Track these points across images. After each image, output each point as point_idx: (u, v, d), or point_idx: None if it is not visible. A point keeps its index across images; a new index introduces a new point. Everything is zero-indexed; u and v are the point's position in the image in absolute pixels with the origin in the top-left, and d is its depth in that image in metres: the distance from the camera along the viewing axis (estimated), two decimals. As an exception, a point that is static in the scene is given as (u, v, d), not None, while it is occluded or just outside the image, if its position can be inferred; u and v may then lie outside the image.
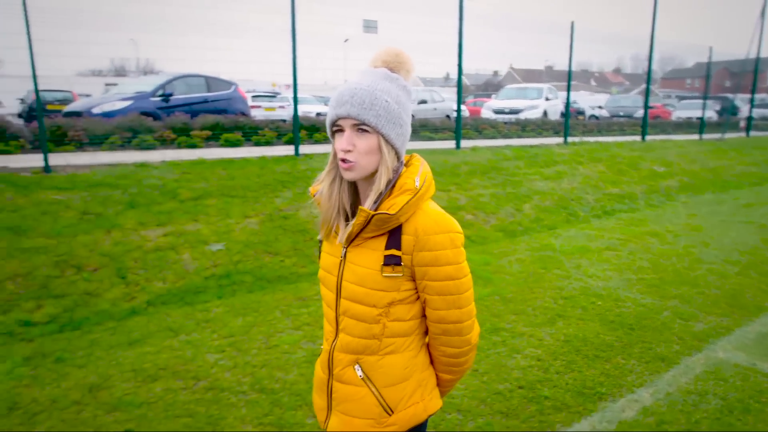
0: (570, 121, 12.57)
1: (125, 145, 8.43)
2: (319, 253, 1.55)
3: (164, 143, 8.75)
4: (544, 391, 3.24)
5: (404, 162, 1.47)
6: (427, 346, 1.51)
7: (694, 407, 3.08)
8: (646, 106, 14.43)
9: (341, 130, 1.39)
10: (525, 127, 14.41)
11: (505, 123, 14.52)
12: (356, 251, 1.42)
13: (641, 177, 10.58)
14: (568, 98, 12.17)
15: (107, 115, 9.53)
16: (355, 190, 1.49)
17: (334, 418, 1.49)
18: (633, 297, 4.78)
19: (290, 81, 8.23)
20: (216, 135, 9.27)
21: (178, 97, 10.79)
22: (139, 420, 2.93)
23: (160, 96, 10.52)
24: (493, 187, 8.38)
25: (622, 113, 22.37)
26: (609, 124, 16.91)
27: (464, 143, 10.49)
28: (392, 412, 1.43)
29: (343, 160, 1.37)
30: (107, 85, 34.83)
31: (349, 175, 1.39)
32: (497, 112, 16.46)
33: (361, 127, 1.36)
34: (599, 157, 11.08)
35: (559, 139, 12.61)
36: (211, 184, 6.55)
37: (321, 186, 1.49)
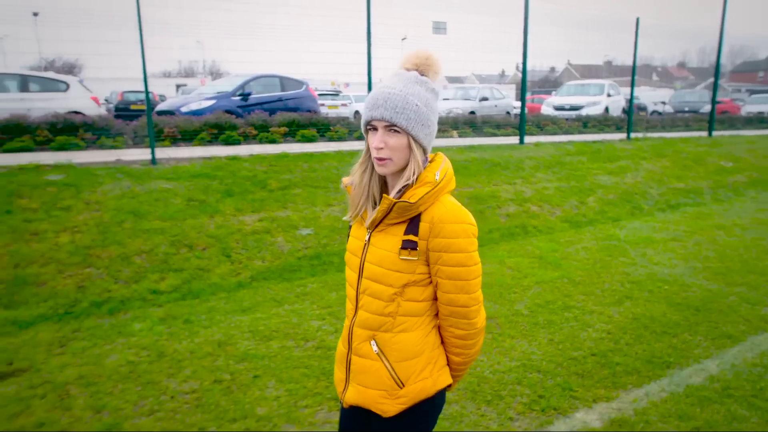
0: (633, 116, 12.58)
1: (212, 140, 9.19)
2: (348, 237, 1.71)
3: (247, 139, 9.47)
4: (615, 358, 3.60)
5: (429, 159, 1.58)
6: (438, 328, 1.62)
7: (759, 377, 3.37)
8: (714, 101, 14.19)
9: (375, 129, 1.52)
10: (586, 124, 14.46)
11: (566, 119, 14.60)
12: (379, 236, 1.56)
13: (707, 172, 10.54)
14: (632, 94, 12.20)
15: (194, 113, 10.37)
16: (383, 181, 1.62)
17: (351, 389, 1.61)
18: (699, 283, 5.02)
19: (349, 80, 8.75)
20: (293, 131, 9.92)
21: (256, 96, 11.54)
22: (264, 369, 3.49)
23: (239, 95, 11.30)
24: (558, 181, 8.65)
25: (687, 108, 21.85)
26: (673, 120, 16.67)
27: (527, 139, 10.75)
28: (403, 385, 1.54)
29: (379, 159, 1.51)
30: (178, 86, 36.66)
31: (382, 171, 1.53)
32: (558, 108, 16.52)
33: (392, 128, 1.48)
34: (663, 152, 11.09)
35: (622, 135, 12.64)
36: (296, 176, 7.16)
37: (352, 177, 1.64)
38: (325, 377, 3.39)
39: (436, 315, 1.60)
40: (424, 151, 1.54)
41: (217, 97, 11.08)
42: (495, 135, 12.05)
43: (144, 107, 18.34)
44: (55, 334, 4.01)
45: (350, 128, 10.57)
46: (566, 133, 13.21)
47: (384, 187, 1.62)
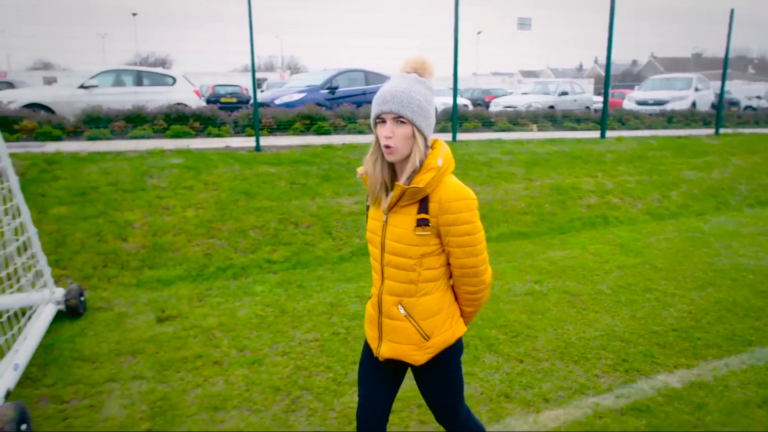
0: (722, 111, 12.24)
1: (305, 130, 9.89)
2: (367, 218, 1.94)
3: (336, 130, 10.11)
4: (696, 334, 3.86)
5: (430, 146, 1.81)
6: (452, 287, 1.90)
7: (841, 358, 3.53)
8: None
9: (383, 122, 1.75)
10: (671, 119, 14.15)
11: (650, 114, 14.34)
12: (395, 216, 1.79)
13: (802, 169, 10.17)
14: (722, 88, 11.88)
15: (287, 105, 11.13)
16: (392, 169, 1.84)
17: (385, 345, 1.88)
18: (785, 274, 5.10)
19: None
20: (378, 123, 10.46)
21: (342, 89, 12.19)
22: (372, 326, 4.01)
23: (327, 89, 11.98)
24: (639, 175, 8.71)
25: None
26: (768, 116, 15.92)
27: (608, 134, 10.78)
28: (429, 338, 1.83)
29: (387, 147, 1.73)
30: (259, 79, 38.47)
31: (390, 158, 1.76)
32: (640, 103, 16.19)
33: (399, 119, 1.72)
34: (755, 148, 10.78)
35: (710, 131, 12.33)
36: (385, 164, 7.68)
37: (366, 167, 1.86)
38: (426, 336, 3.85)
39: (450, 277, 1.88)
40: (425, 140, 1.78)
41: (307, 90, 11.81)
42: (575, 129, 12.10)
43: (233, 100, 19.52)
44: (193, 290, 4.72)
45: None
46: (649, 128, 13.02)
47: (394, 174, 1.84)
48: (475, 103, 21.82)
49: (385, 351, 1.88)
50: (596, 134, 10.70)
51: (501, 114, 12.70)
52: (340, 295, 4.61)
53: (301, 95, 11.56)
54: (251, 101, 13.80)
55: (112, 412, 2.95)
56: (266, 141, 8.56)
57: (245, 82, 25.03)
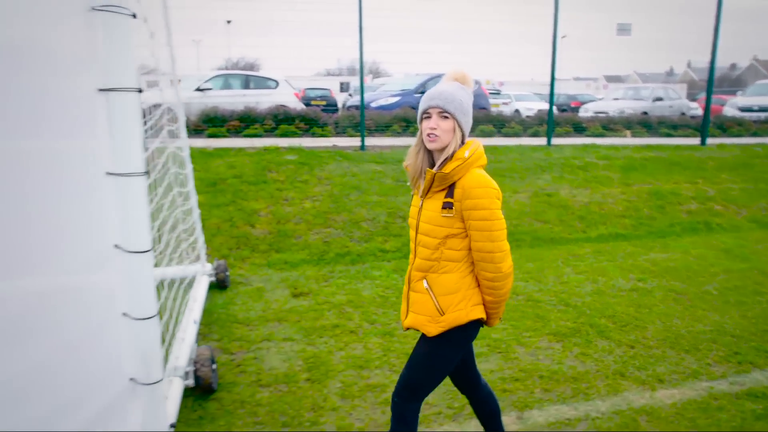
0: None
1: (402, 132, 10.38)
2: (410, 206, 2.19)
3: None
4: (810, 335, 3.93)
5: (465, 143, 2.04)
6: (476, 276, 2.03)
7: None
8: None
9: (429, 117, 1.99)
10: (779, 126, 13.51)
11: (754, 122, 13.76)
12: (428, 201, 2.03)
13: None
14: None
15: (382, 108, 11.69)
16: (431, 160, 2.07)
17: (410, 316, 2.11)
18: None
19: (504, 79, 9.31)
20: (472, 127, 10.79)
21: (435, 94, 12.60)
22: (486, 310, 4.36)
23: (420, 93, 12.43)
24: (744, 182, 8.52)
25: None
26: None
27: (708, 140, 10.53)
28: (443, 313, 1.99)
29: (429, 135, 1.98)
30: (341, 84, 39.68)
31: (432, 146, 2.00)
32: (744, 109, 15.52)
33: (443, 114, 1.97)
34: None
35: (821, 139, 11.71)
36: (483, 165, 8.00)
37: (409, 159, 2.11)
38: (539, 319, 4.16)
39: (471, 265, 2.02)
40: (463, 135, 2.03)
41: (402, 94, 12.33)
42: (671, 136, 11.88)
43: (323, 102, 20.40)
44: (318, 272, 5.26)
45: (524, 125, 11.17)
46: (754, 135, 12.53)
47: (429, 162, 2.09)
48: (560, 109, 21.62)
49: (408, 321, 2.12)
50: (695, 141, 10.51)
51: (592, 120, 12.66)
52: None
53: (396, 99, 12.08)
54: (343, 104, 14.51)
55: (273, 364, 3.48)
56: (368, 141, 9.11)
57: (330, 86, 26.13)
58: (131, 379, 2.41)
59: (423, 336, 2.09)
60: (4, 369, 2.30)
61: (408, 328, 2.14)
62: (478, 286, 2.03)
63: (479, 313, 2.03)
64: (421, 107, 2.05)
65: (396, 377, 3.32)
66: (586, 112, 15.93)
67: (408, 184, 2.24)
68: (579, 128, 11.47)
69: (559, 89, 37.35)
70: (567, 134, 11.11)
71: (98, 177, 2.23)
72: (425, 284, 2.04)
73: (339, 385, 3.23)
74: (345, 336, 3.89)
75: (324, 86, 24.62)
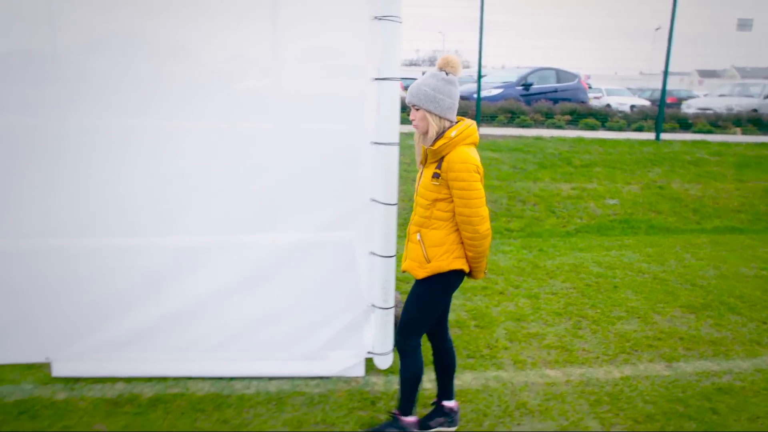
0: None
1: (507, 123, 10.81)
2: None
3: (535, 124, 10.90)
4: None
5: (456, 122, 2.36)
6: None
7: None
8: None
9: (412, 108, 2.38)
10: None
11: None
12: (425, 171, 2.43)
13: None
14: None
15: (486, 99, 12.13)
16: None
17: (406, 261, 2.52)
18: None
19: (591, 72, 9.38)
20: (575, 119, 11.06)
21: (536, 87, 12.91)
22: (617, 284, 4.82)
23: (522, 85, 12.78)
24: None
25: None
26: None
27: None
28: (429, 261, 2.40)
29: (414, 124, 2.39)
30: (423, 73, 40.23)
31: (418, 132, 2.43)
32: None
33: (415, 107, 2.35)
34: None
35: None
36: (594, 157, 8.35)
37: (416, 139, 2.50)
38: (669, 294, 4.58)
39: (456, 226, 2.37)
40: (439, 118, 2.33)
41: (504, 86, 12.72)
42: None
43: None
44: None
45: (628, 120, 11.30)
46: None
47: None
48: (654, 104, 21.12)
49: (405, 265, 2.55)
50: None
51: (698, 116, 12.54)
52: (578, 260, 5.48)
53: (499, 90, 12.49)
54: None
55: (441, 313, 4.12)
56: (481, 130, 9.62)
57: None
58: (371, 305, 3.11)
59: (415, 280, 2.51)
60: (293, 289, 3.07)
61: (404, 271, 2.57)
62: (462, 243, 2.40)
63: (460, 265, 2.40)
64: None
65: (550, 330, 3.89)
66: (689, 108, 15.64)
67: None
68: (685, 124, 11.45)
69: (649, 84, 36.05)
70: (672, 130, 11.14)
71: (365, 145, 2.92)
72: (418, 237, 2.44)
73: (504, 332, 3.84)
74: (495, 296, 4.49)
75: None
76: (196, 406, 2.89)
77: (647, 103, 19.86)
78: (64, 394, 2.98)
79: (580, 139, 9.10)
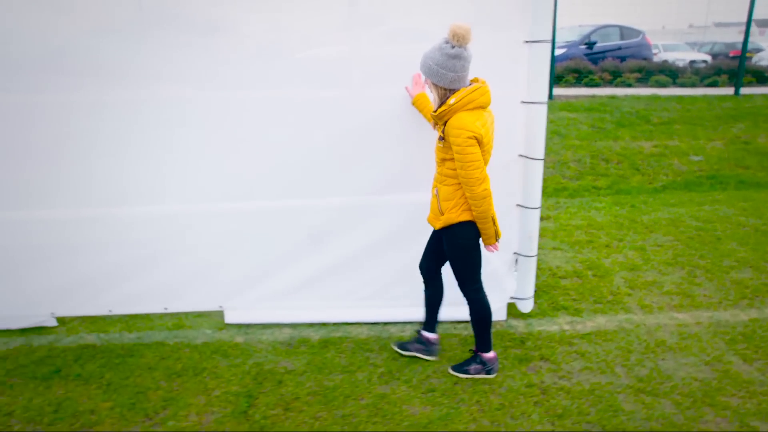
0: None
1: (575, 83, 10.74)
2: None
3: (603, 83, 10.80)
4: None
5: (456, 91, 2.52)
6: None
7: None
8: None
9: None
10: None
11: None
12: (435, 135, 2.70)
13: None
14: None
15: (550, 60, 12.04)
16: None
17: (430, 214, 2.81)
18: None
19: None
20: (645, 77, 10.90)
21: (600, 45, 12.69)
22: (720, 235, 4.93)
23: (585, 44, 12.59)
24: None
25: None
26: None
27: None
28: (442, 213, 2.69)
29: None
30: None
31: (432, 100, 2.64)
32: None
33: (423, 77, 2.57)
34: None
35: None
36: (673, 114, 8.29)
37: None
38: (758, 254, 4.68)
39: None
40: (442, 89, 2.53)
41: (567, 46, 12.55)
42: None
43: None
44: (545, 203, 6.05)
45: (700, 75, 11.06)
46: None
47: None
48: (716, 58, 20.35)
49: (428, 217, 2.84)
50: None
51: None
52: (673, 213, 5.59)
53: (563, 50, 12.35)
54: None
55: (559, 264, 4.35)
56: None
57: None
58: (515, 253, 3.36)
59: (443, 237, 2.78)
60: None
61: (428, 222, 2.87)
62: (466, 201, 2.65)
63: (466, 217, 2.65)
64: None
65: (666, 278, 4.07)
66: (760, 60, 15.09)
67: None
68: (762, 78, 11.13)
69: (706, 37, 34.55)
70: (749, 84, 10.86)
71: (515, 104, 3.12)
72: (436, 191, 2.74)
73: (622, 281, 4.05)
74: (603, 248, 4.68)
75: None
76: (363, 346, 3.23)
77: (707, 57, 19.18)
78: (241, 338, 3.36)
79: (655, 97, 9.02)
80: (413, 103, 3.03)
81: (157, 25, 3.06)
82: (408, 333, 3.37)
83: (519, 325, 3.44)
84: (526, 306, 3.46)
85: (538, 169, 3.17)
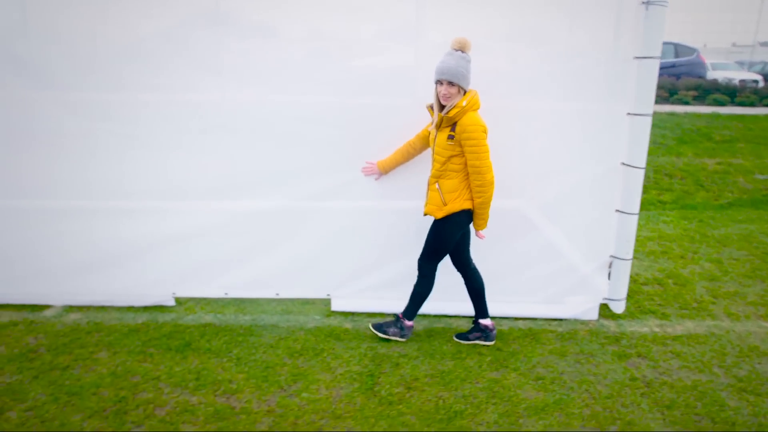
0: None
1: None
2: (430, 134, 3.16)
3: (659, 100, 10.85)
4: None
5: (467, 92, 2.95)
6: (468, 183, 3.00)
7: None
8: None
9: (441, 83, 2.90)
10: None
11: None
12: (440, 133, 3.00)
13: None
14: None
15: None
16: (440, 106, 2.98)
17: (427, 207, 3.15)
18: None
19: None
20: (702, 95, 10.92)
21: (654, 62, 12.73)
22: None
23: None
24: None
25: None
26: None
27: None
28: (446, 204, 3.04)
29: (443, 96, 2.90)
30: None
31: (446, 103, 2.93)
32: None
33: (450, 83, 2.88)
34: None
35: None
36: (735, 132, 8.34)
37: (430, 107, 3.08)
38: None
39: (467, 176, 2.99)
40: (464, 92, 2.94)
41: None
42: None
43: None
44: (612, 215, 6.18)
45: (759, 95, 11.03)
46: None
47: (440, 108, 3.00)
48: (767, 78, 20.04)
49: (426, 210, 3.17)
50: None
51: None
52: (743, 230, 5.68)
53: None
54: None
55: (639, 272, 4.50)
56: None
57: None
58: (611, 256, 3.54)
59: (434, 220, 3.14)
60: (539, 242, 3.51)
61: (426, 215, 3.19)
62: (468, 191, 3.04)
63: (468, 205, 3.06)
64: (435, 75, 2.94)
65: (748, 290, 4.19)
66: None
67: (431, 127, 3.15)
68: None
69: (754, 57, 33.93)
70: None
71: (621, 116, 3.32)
72: (437, 186, 3.07)
73: (704, 290, 4.18)
74: (678, 259, 4.81)
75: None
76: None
77: (758, 77, 18.93)
78: (349, 324, 3.62)
79: (716, 115, 9.07)
80: (383, 169, 3.44)
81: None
82: (506, 327, 3.57)
83: (610, 325, 3.61)
84: (619, 307, 3.63)
85: (639, 177, 3.36)
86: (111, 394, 2.82)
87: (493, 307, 3.69)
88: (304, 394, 2.84)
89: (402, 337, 3.33)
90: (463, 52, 2.92)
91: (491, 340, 3.35)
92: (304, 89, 3.43)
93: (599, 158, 3.41)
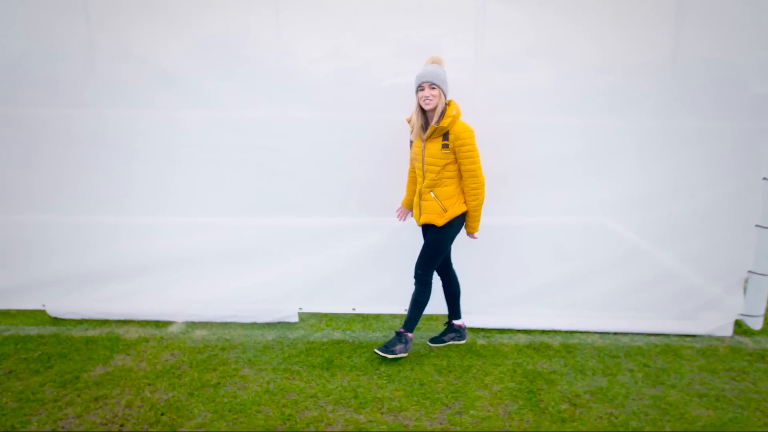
0: None
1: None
2: (410, 146, 3.29)
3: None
4: None
5: (447, 102, 3.08)
6: (462, 187, 3.16)
7: None
8: None
9: (423, 89, 3.03)
10: None
11: None
12: (430, 144, 3.11)
13: None
14: None
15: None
16: (425, 117, 3.13)
17: (423, 216, 3.23)
18: None
19: None
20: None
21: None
22: None
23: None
24: None
25: None
26: None
27: None
28: (446, 210, 3.15)
29: (425, 100, 3.02)
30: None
31: (428, 107, 3.05)
32: None
33: (432, 85, 3.01)
34: None
35: None
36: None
37: (411, 117, 3.17)
38: None
39: (459, 181, 3.15)
40: (445, 97, 3.08)
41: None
42: None
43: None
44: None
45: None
46: None
47: (425, 121, 3.14)
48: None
49: (423, 220, 3.25)
50: None
51: None
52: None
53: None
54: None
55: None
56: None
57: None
58: (749, 271, 3.52)
59: (432, 228, 3.24)
60: (673, 256, 3.50)
61: (424, 224, 3.29)
62: (461, 195, 3.19)
63: (464, 209, 3.20)
64: (416, 82, 3.08)
65: None
66: None
67: (410, 134, 3.26)
68: None
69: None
70: None
71: (764, 132, 3.32)
72: (432, 195, 3.19)
73: None
74: None
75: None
76: (600, 352, 3.43)
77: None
78: (483, 340, 3.61)
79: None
80: (408, 206, 3.55)
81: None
82: (640, 343, 3.55)
83: (747, 341, 3.58)
84: (757, 323, 3.61)
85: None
86: (275, 412, 2.82)
87: (627, 323, 3.68)
88: (472, 411, 2.83)
89: (406, 351, 3.34)
90: (434, 62, 3.14)
91: (464, 339, 3.56)
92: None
93: (739, 173, 3.42)
